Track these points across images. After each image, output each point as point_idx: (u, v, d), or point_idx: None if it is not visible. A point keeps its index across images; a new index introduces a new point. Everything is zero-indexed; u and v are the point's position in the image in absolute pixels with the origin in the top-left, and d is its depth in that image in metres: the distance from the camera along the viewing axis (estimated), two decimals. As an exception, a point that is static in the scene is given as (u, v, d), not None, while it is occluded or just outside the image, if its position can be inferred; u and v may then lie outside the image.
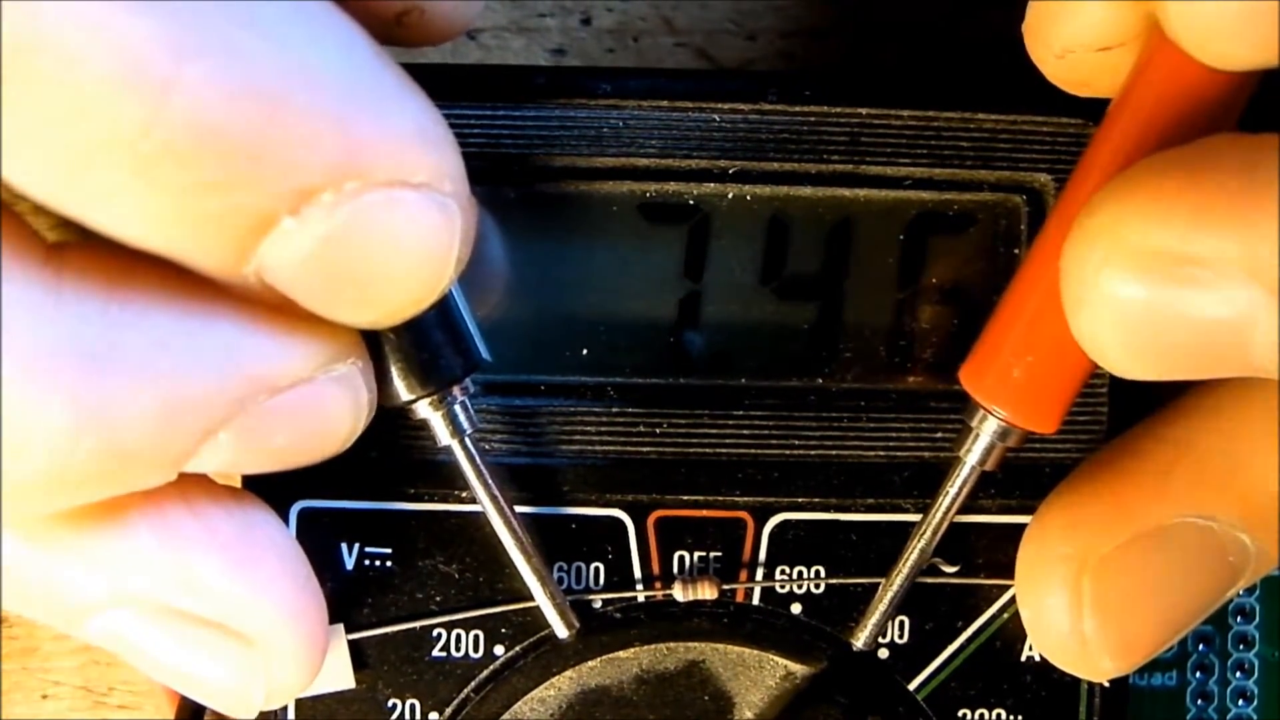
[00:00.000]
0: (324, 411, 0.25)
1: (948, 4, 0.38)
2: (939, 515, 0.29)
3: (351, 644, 0.30)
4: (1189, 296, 0.22)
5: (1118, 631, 0.28)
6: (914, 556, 0.29)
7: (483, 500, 0.29)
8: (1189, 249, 0.22)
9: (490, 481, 0.29)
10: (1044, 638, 0.28)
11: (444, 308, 0.27)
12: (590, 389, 0.30)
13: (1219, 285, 0.22)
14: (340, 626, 0.30)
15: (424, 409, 0.28)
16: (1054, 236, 0.25)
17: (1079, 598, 0.28)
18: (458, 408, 0.28)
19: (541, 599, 0.29)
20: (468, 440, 0.28)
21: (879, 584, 0.30)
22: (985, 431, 0.28)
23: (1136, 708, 0.34)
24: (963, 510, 0.29)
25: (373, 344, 0.26)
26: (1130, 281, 0.22)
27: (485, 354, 0.28)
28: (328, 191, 0.21)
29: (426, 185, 0.22)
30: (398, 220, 0.22)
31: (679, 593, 0.30)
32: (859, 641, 0.30)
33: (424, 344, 0.27)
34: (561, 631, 0.30)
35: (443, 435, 0.28)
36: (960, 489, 0.29)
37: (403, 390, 0.27)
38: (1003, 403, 0.27)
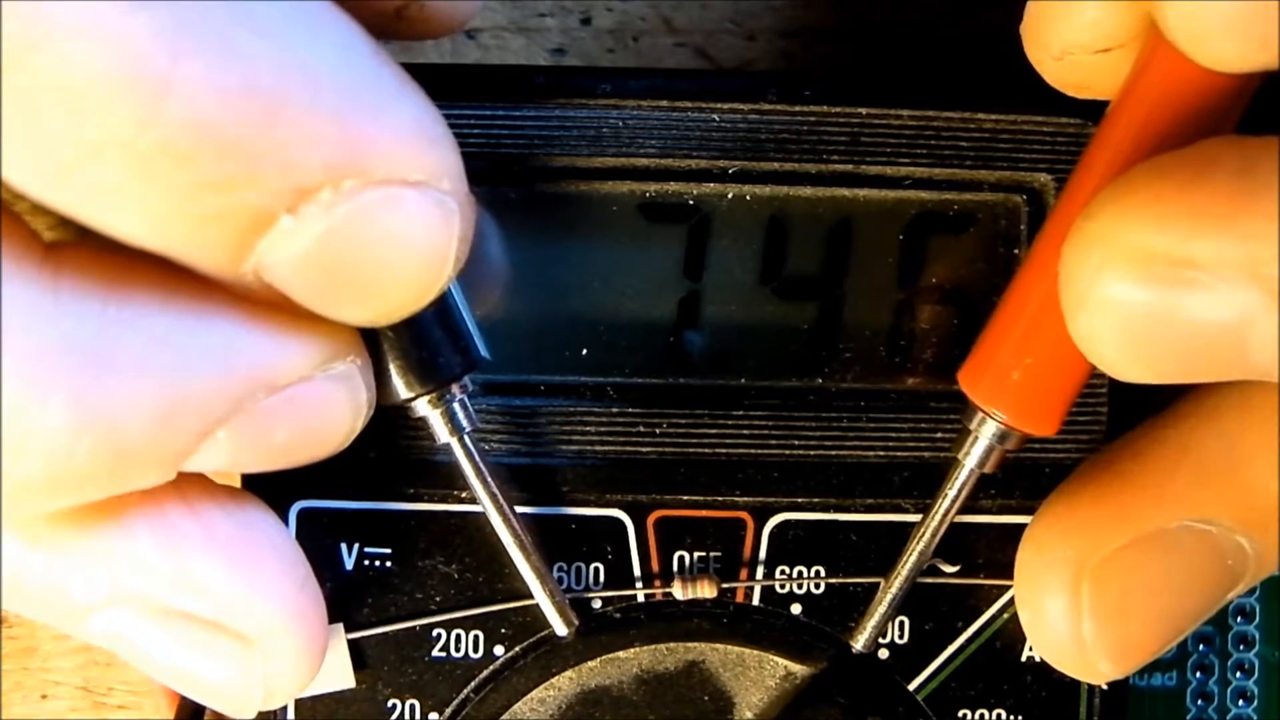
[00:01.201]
0: (323, 410, 0.25)
1: (948, 4, 0.38)
2: (938, 518, 0.29)
3: (351, 644, 0.30)
4: (1188, 299, 0.22)
5: (1117, 635, 0.28)
6: (913, 559, 0.29)
7: (481, 497, 0.29)
8: (1188, 252, 0.22)
9: (489, 479, 0.29)
10: (1043, 640, 0.28)
11: (443, 306, 0.27)
12: (590, 389, 0.30)
13: (1218, 288, 0.22)
14: (340, 626, 0.30)
15: (422, 406, 0.28)
16: (1052, 239, 0.25)
17: (1078, 601, 0.28)
18: (456, 405, 0.28)
19: (540, 596, 0.29)
20: (466, 438, 0.28)
21: (878, 584, 0.30)
22: (984, 434, 0.28)
23: (1136, 708, 0.34)
24: (962, 510, 0.29)
25: (371, 342, 0.26)
26: (1129, 284, 0.22)
27: (484, 352, 0.28)
28: (326, 189, 0.21)
29: (425, 183, 0.22)
30: (396, 218, 0.22)
31: (678, 591, 0.30)
32: (858, 643, 0.30)
33: (423, 342, 0.27)
34: (561, 629, 0.30)
35: (441, 433, 0.28)
36: (959, 491, 0.29)
37: (401, 388, 0.27)
38: (1001, 405, 0.27)
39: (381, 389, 0.27)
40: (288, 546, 0.27)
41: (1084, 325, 0.23)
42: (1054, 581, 0.28)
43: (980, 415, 0.27)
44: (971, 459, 0.28)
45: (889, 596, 0.30)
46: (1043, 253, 0.26)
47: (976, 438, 0.28)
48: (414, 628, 0.30)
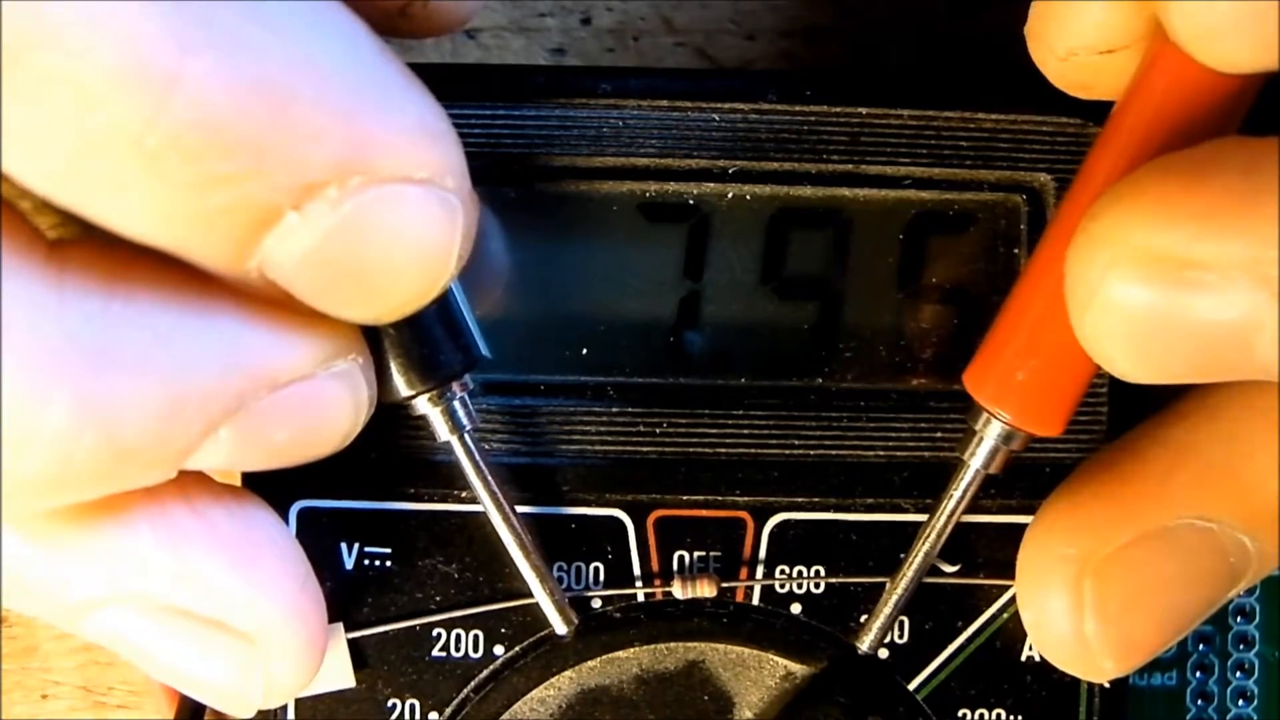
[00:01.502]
0: (324, 408, 0.25)
1: (948, 4, 0.38)
2: (943, 519, 0.29)
3: (351, 643, 0.30)
4: (1193, 300, 0.22)
5: (1119, 633, 0.28)
6: (919, 560, 0.29)
7: (481, 495, 0.29)
8: (1193, 253, 0.22)
9: (489, 477, 0.29)
10: (1045, 639, 0.28)
11: (444, 304, 0.27)
12: (590, 389, 0.30)
13: (1223, 289, 0.22)
14: (340, 626, 0.30)
15: (423, 404, 0.27)
16: (1058, 240, 0.25)
17: (1080, 599, 0.28)
18: (457, 404, 0.28)
19: (540, 594, 0.29)
20: (467, 436, 0.28)
21: (879, 584, 0.30)
22: (989, 435, 0.28)
23: (1136, 708, 0.34)
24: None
25: (372, 340, 0.26)
26: (1135, 285, 0.22)
27: (485, 351, 0.28)
28: (332, 186, 0.21)
29: (429, 181, 0.22)
30: (401, 216, 0.22)
31: (678, 590, 0.30)
32: (864, 645, 0.30)
33: (424, 340, 0.27)
34: (560, 628, 0.30)
35: (441, 431, 0.28)
36: (964, 492, 0.29)
37: (402, 386, 0.27)
38: (1007, 406, 0.27)
39: (382, 386, 0.26)
40: (288, 545, 0.27)
41: (1090, 326, 0.23)
42: (1056, 580, 0.28)
43: (985, 416, 0.27)
44: (977, 460, 0.28)
45: (895, 597, 0.30)
46: (1047, 253, 0.26)
47: (982, 439, 0.28)
48: (414, 627, 0.30)
